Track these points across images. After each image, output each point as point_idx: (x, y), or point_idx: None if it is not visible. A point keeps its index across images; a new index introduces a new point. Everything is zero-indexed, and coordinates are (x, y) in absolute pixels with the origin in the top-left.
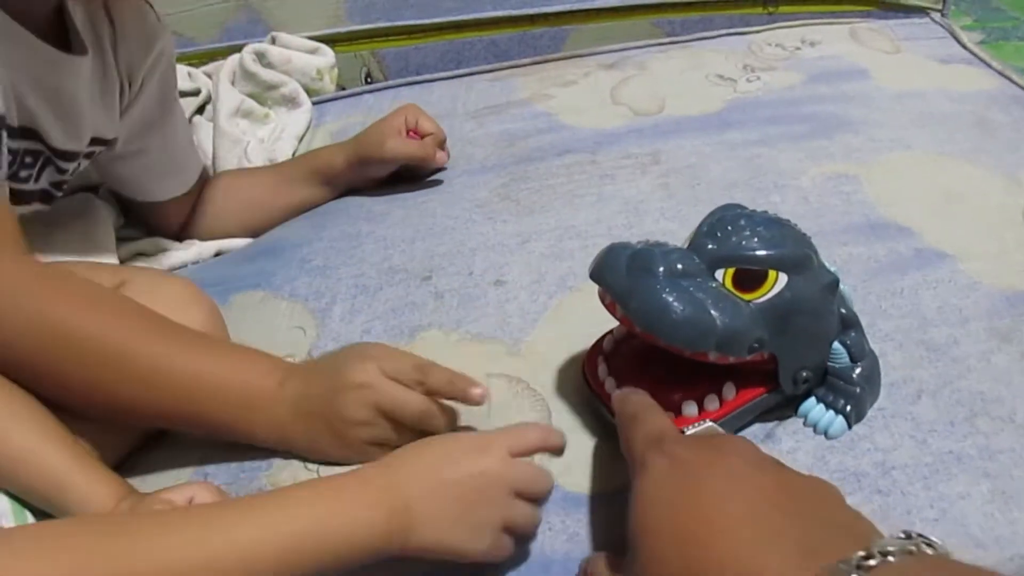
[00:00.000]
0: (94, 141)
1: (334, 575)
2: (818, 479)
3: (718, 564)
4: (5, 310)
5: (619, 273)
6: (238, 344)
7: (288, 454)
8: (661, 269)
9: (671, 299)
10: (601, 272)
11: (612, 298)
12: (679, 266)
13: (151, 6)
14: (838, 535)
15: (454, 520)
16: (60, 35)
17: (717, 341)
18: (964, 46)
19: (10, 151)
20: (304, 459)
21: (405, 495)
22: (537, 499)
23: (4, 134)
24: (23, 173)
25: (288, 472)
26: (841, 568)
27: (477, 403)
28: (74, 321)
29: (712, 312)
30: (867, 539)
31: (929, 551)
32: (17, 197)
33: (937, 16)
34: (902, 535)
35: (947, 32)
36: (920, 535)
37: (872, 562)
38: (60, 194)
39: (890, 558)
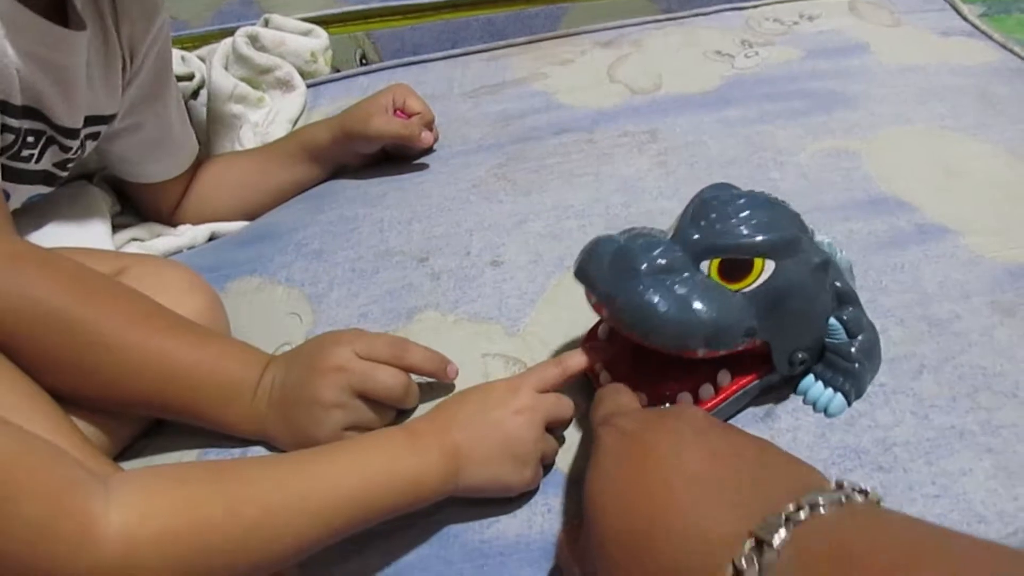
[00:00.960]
0: (96, 119)
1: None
2: (763, 439)
3: (663, 530)
4: None
5: (602, 272)
6: (222, 335)
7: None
8: (644, 267)
9: (655, 300)
10: (584, 271)
11: (596, 298)
12: (662, 261)
13: None
14: (778, 491)
15: (499, 456)
16: (60, 11)
17: (704, 338)
18: (965, 18)
19: (12, 130)
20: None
21: (453, 440)
22: (562, 428)
23: None
24: (25, 152)
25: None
26: (771, 522)
27: (450, 380)
28: (64, 304)
29: (697, 308)
30: (804, 493)
31: (860, 499)
32: (19, 177)
33: None
34: (834, 486)
35: (947, 4)
36: (854, 485)
37: (802, 515)
38: (64, 174)
39: (820, 510)
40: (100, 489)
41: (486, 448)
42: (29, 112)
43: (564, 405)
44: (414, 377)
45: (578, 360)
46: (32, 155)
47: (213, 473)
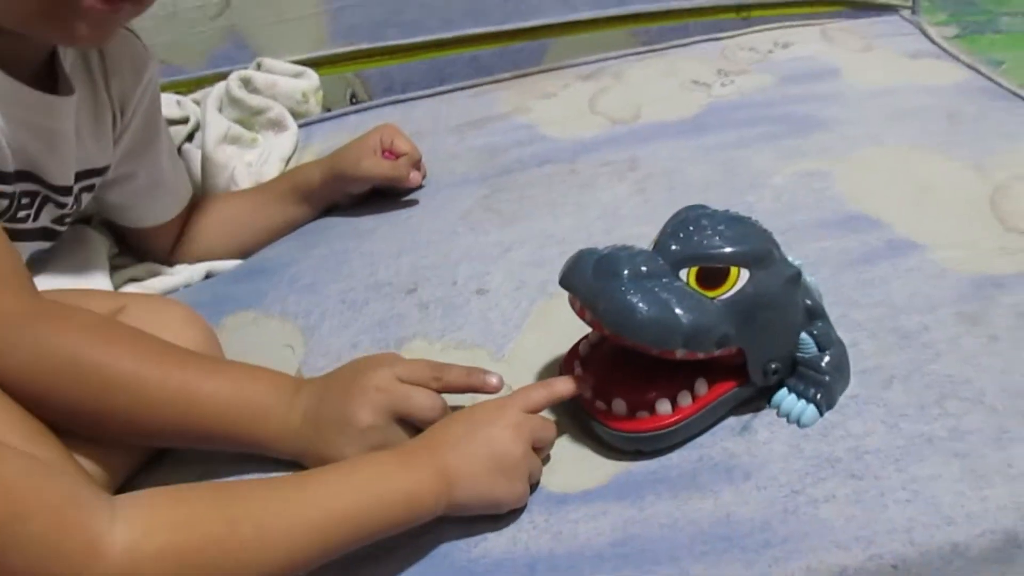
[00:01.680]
0: (88, 173)
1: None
2: None
3: None
4: (9, 344)
5: (586, 278)
6: (244, 363)
7: (291, 465)
8: (626, 272)
9: (636, 300)
10: (569, 278)
11: (580, 303)
12: (643, 268)
13: (136, 35)
14: None
15: (489, 472)
16: (49, 76)
17: (683, 339)
18: (933, 41)
19: (6, 195)
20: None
21: (444, 458)
22: (546, 449)
23: None
24: (21, 214)
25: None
26: None
27: (496, 390)
28: (81, 351)
29: (677, 311)
30: None
31: None
32: (19, 236)
33: (907, 13)
34: None
35: (916, 28)
36: None
37: None
38: (63, 229)
39: None
40: (105, 506)
41: (476, 465)
42: (22, 176)
43: (549, 427)
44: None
45: (565, 386)
46: (28, 215)
47: (212, 492)
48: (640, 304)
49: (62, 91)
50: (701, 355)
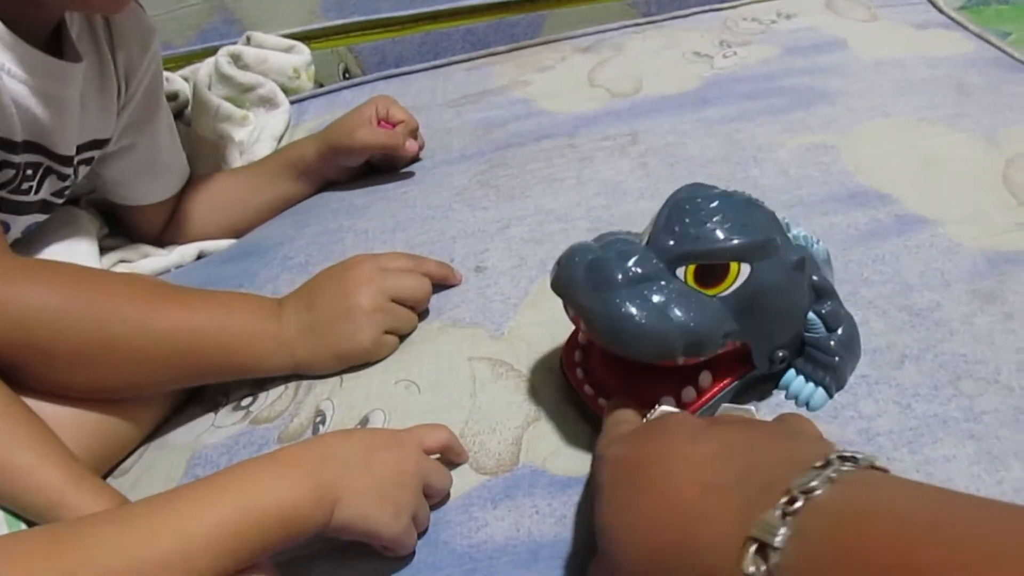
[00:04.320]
0: (90, 145)
1: (272, 555)
2: (748, 423)
3: (672, 541)
4: (3, 300)
5: (579, 285)
6: (226, 291)
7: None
8: (619, 278)
9: (632, 311)
10: (560, 285)
11: (574, 311)
12: (638, 270)
13: (142, 8)
14: (775, 475)
15: (376, 500)
16: (57, 43)
17: (684, 346)
18: (941, 11)
19: (12, 165)
20: (320, 376)
21: (329, 473)
22: (436, 496)
23: None
24: (24, 185)
25: None
26: (768, 522)
27: (458, 282)
28: (77, 296)
29: (675, 317)
30: (797, 474)
31: (849, 467)
32: (18, 208)
33: None
34: (819, 463)
35: None
36: (841, 454)
37: (798, 504)
38: (60, 202)
39: (816, 493)
40: None
41: (361, 487)
42: (29, 146)
43: (445, 475)
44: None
45: (463, 456)
46: (31, 187)
47: (47, 543)
48: (636, 316)
49: (69, 58)
50: (703, 357)
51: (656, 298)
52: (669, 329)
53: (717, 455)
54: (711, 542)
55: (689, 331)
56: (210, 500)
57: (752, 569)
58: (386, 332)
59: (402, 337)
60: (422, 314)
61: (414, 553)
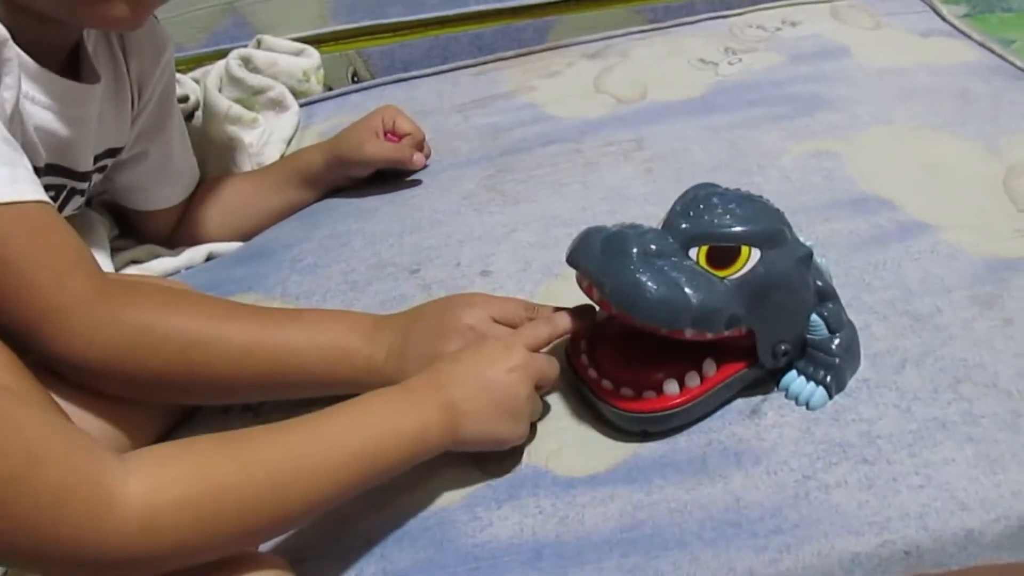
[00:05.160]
0: (105, 154)
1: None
2: None
3: None
4: (91, 325)
5: (594, 256)
6: (319, 308)
7: None
8: (635, 250)
9: (645, 279)
10: (576, 256)
11: (588, 281)
12: (652, 247)
13: (156, 18)
14: None
15: (494, 412)
16: (75, 60)
17: (692, 318)
18: (944, 19)
19: None
20: None
21: (450, 395)
22: (546, 386)
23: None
24: None
25: None
26: None
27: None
28: (157, 319)
29: (686, 290)
30: None
31: None
32: None
33: None
34: None
35: (927, 6)
36: None
37: None
38: (76, 213)
39: None
40: (117, 461)
41: (482, 403)
42: (52, 169)
43: (553, 365)
44: None
45: (567, 321)
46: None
47: (223, 442)
48: (649, 283)
49: (86, 77)
50: (710, 336)
51: (669, 271)
52: (680, 299)
53: None
54: None
55: (698, 304)
56: (356, 421)
57: None
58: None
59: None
60: None
61: (419, 551)
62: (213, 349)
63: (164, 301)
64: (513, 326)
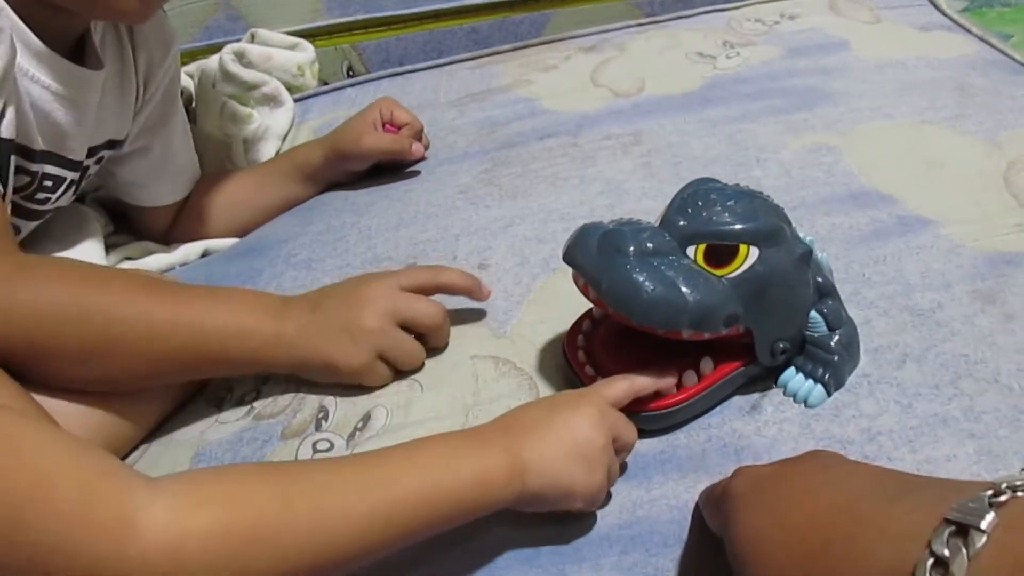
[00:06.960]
0: (106, 144)
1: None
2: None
3: (840, 544)
4: (7, 300)
5: (590, 254)
6: (225, 286)
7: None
8: (631, 248)
9: (642, 279)
10: (573, 254)
11: (584, 280)
12: (649, 245)
13: (164, 12)
14: (948, 491)
15: (566, 456)
16: (80, 48)
17: (690, 319)
18: (943, 13)
19: (28, 172)
20: (308, 383)
21: (518, 442)
22: (624, 450)
23: (12, 157)
24: (40, 195)
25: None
26: (971, 507)
27: (485, 297)
28: (79, 294)
29: (683, 289)
30: (966, 496)
31: None
32: (28, 215)
33: None
34: (988, 490)
35: (926, 0)
36: (1012, 484)
37: (1003, 497)
38: (68, 204)
39: (1020, 493)
40: (142, 482)
41: (554, 448)
42: (47, 156)
43: (632, 428)
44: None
45: (647, 381)
46: (48, 199)
47: (262, 469)
48: (646, 283)
49: (90, 64)
50: (708, 335)
51: (666, 270)
52: (677, 299)
53: (871, 473)
54: (875, 537)
55: (696, 304)
56: (411, 462)
57: (945, 552)
58: (383, 358)
59: (401, 373)
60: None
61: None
62: (134, 325)
63: (88, 277)
64: (422, 291)
